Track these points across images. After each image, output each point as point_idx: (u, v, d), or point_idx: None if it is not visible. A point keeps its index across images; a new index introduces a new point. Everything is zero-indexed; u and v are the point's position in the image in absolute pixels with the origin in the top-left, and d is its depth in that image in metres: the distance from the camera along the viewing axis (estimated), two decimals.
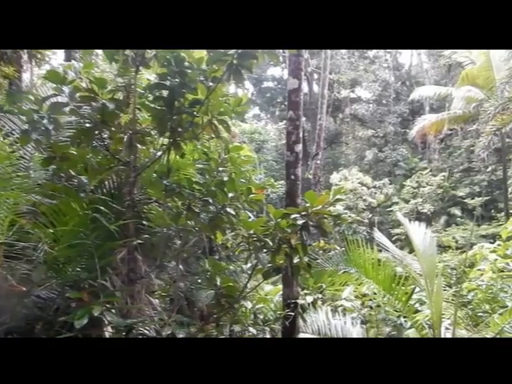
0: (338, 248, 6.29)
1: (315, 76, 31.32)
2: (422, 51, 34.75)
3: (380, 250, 6.78)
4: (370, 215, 26.01)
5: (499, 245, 9.74)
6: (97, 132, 3.44)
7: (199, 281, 4.27)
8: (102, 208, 3.20)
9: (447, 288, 7.67)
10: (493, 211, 22.05)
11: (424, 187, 26.14)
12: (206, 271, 3.63)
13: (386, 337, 7.65)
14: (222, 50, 3.41)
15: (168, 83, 3.52)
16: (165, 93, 3.60)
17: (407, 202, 26.67)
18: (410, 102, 28.26)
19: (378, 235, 6.95)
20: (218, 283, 3.29)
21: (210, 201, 3.75)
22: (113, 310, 3.08)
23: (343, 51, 34.34)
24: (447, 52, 19.37)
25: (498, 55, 15.75)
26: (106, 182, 4.22)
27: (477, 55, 16.41)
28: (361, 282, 6.48)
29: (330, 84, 25.99)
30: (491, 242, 10.40)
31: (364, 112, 33.28)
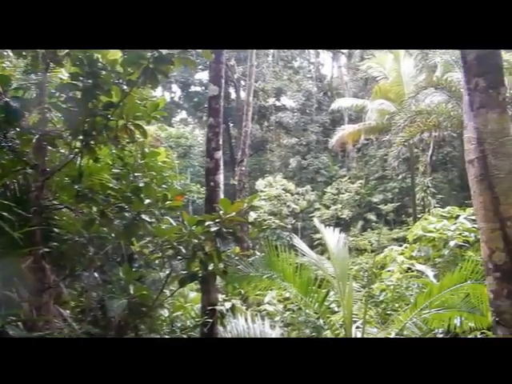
0: (258, 253, 6.40)
1: (242, 83, 31.72)
2: (342, 64, 36.71)
3: (304, 255, 7.03)
4: (294, 221, 26.80)
5: (406, 247, 10.55)
6: None
7: (113, 290, 4.12)
8: (5, 214, 2.99)
9: (361, 289, 8.15)
10: (403, 216, 23.77)
11: (343, 194, 27.50)
12: (120, 280, 3.52)
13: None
14: (138, 53, 3.35)
15: (80, 84, 3.37)
16: (78, 93, 3.45)
17: (328, 207, 27.87)
18: (330, 112, 29.61)
19: (297, 241, 7.21)
20: (132, 292, 3.20)
21: (126, 207, 3.65)
22: (19, 323, 2.88)
23: (269, 60, 35.26)
24: (364, 66, 20.65)
25: (407, 72, 17.11)
26: (12, 186, 3.94)
27: (389, 71, 17.71)
28: (282, 287, 6.67)
29: (255, 92, 26.47)
30: (400, 245, 11.19)
31: (288, 120, 34.28)
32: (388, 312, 7.42)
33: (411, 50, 21.83)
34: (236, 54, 29.68)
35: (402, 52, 17.42)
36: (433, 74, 15.43)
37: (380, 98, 17.49)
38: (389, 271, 9.56)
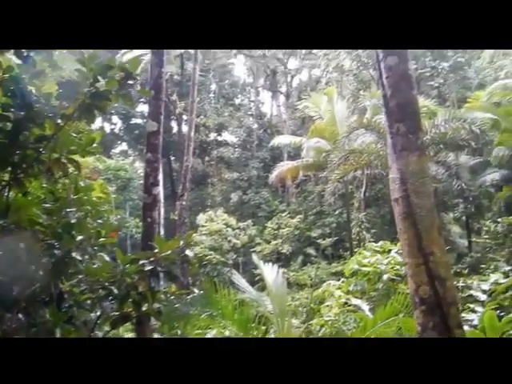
0: (197, 291, 6.29)
1: (184, 117, 31.89)
2: (281, 103, 38.16)
3: (243, 291, 6.98)
4: (235, 256, 26.64)
5: (343, 282, 10.83)
6: None
7: (38, 333, 3.84)
8: None
9: (301, 325, 8.21)
10: (341, 250, 24.46)
11: (283, 228, 27.85)
12: (46, 322, 3.30)
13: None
14: (74, 87, 3.31)
15: (12, 115, 3.26)
16: (9, 125, 3.33)
17: (269, 242, 28.02)
18: (270, 148, 30.40)
19: (237, 277, 7.18)
20: (58, 335, 3.01)
21: (55, 244, 3.48)
22: None
23: (211, 96, 35.90)
24: (301, 106, 21.61)
25: (340, 113, 18.13)
26: None
27: (324, 111, 18.68)
28: (222, 325, 6.54)
29: (197, 127, 26.69)
30: (338, 279, 11.47)
31: (230, 155, 34.72)
32: None
33: (344, 93, 23.27)
34: (178, 89, 29.93)
35: (335, 94, 18.47)
36: (363, 116, 16.50)
37: (316, 137, 18.30)
38: (327, 306, 9.71)
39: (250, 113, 37.79)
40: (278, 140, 23.14)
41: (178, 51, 23.61)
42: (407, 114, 4.56)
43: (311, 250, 26.91)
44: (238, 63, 39.24)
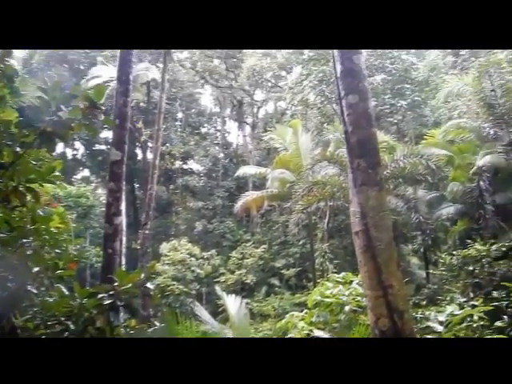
0: (158, 324, 6.09)
1: (150, 145, 31.67)
2: (247, 133, 38.69)
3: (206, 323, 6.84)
4: (198, 286, 26.15)
5: (306, 312, 10.79)
6: None
7: None
8: None
9: None
10: (304, 281, 24.51)
11: (248, 258, 27.70)
12: None
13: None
14: (35, 115, 3.26)
15: None
16: None
17: (233, 272, 27.73)
18: (236, 178, 30.54)
19: (199, 308, 7.06)
20: None
21: (9, 276, 3.33)
22: None
23: (177, 124, 35.98)
24: (267, 137, 22.01)
25: (305, 145, 18.57)
26: None
27: (289, 143, 19.09)
28: None
29: (162, 155, 26.53)
30: (301, 310, 11.43)
31: (195, 184, 34.60)
32: None
33: (308, 126, 23.92)
34: (144, 117, 29.83)
35: (300, 127, 18.97)
36: (327, 149, 16.96)
37: (281, 168, 18.60)
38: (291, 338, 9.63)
39: (216, 142, 38.04)
40: (244, 170, 23.32)
41: (145, 79, 23.63)
42: (367, 150, 4.75)
43: (275, 281, 26.82)
44: (205, 93, 39.74)
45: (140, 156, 33.79)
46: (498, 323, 7.52)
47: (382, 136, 15.99)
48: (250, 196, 21.39)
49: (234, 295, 7.00)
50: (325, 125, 22.13)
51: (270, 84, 36.22)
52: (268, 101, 37.81)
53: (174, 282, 24.04)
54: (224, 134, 39.81)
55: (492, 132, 13.57)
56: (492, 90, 13.30)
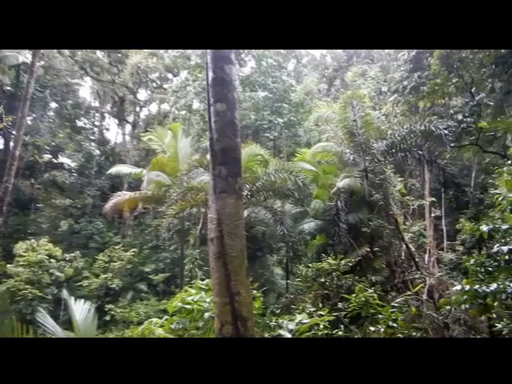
0: None
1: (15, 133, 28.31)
2: (127, 132, 37.10)
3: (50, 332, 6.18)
4: (56, 290, 23.99)
5: (167, 319, 10.54)
6: None
7: None
8: None
9: None
10: (172, 287, 24.11)
11: (115, 262, 26.35)
12: None
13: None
14: None
15: None
16: None
17: (97, 276, 26.13)
18: (110, 177, 28.93)
19: (41, 314, 6.37)
20: None
21: None
22: None
23: (50, 114, 32.89)
24: (146, 138, 21.27)
25: (184, 150, 18.38)
26: None
27: (168, 146, 18.70)
28: None
29: (26, 145, 23.95)
30: (160, 317, 11.13)
31: (64, 180, 31.93)
32: None
33: (190, 131, 23.82)
34: (6, 102, 26.64)
35: (180, 131, 18.74)
36: (205, 156, 16.98)
37: (157, 170, 18.10)
38: None
39: (92, 138, 35.67)
40: (118, 169, 22.14)
41: (14, 61, 21.18)
42: (230, 158, 4.81)
43: (143, 286, 25.94)
44: (85, 85, 37.13)
45: (0, 145, 30.07)
46: (338, 332, 8.19)
47: (258, 149, 16.59)
48: (122, 196, 20.33)
49: (83, 300, 6.46)
50: (206, 132, 22.22)
51: (154, 84, 35.29)
52: (151, 101, 36.79)
53: (28, 286, 21.69)
54: (102, 130, 37.56)
55: (352, 158, 15.02)
56: (354, 120, 14.74)
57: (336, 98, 18.81)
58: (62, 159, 33.98)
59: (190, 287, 11.38)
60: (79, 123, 35.69)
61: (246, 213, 15.97)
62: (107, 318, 23.37)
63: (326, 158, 16.20)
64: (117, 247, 27.22)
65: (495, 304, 6.84)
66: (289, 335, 7.61)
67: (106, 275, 25.80)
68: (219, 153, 4.80)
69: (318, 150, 16.11)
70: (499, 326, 6.69)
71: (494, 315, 7.18)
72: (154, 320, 10.93)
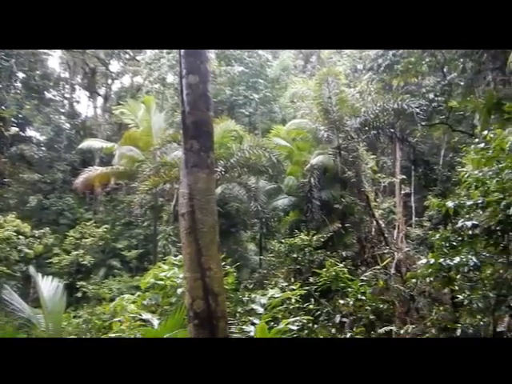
0: None
1: None
2: (99, 105, 36.05)
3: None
4: (25, 268, 23.54)
5: (139, 295, 10.53)
6: None
7: None
8: None
9: None
10: (146, 263, 24.02)
11: (87, 238, 25.98)
12: None
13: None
14: None
15: None
16: None
17: (68, 253, 25.75)
18: (82, 151, 28.20)
19: (7, 292, 6.27)
20: None
21: None
22: None
23: (17, 85, 31.50)
24: (118, 111, 20.73)
25: (157, 125, 18.04)
26: None
27: (141, 120, 18.30)
28: None
29: None
30: (132, 294, 11.12)
31: (32, 154, 30.91)
32: None
33: (164, 106, 23.34)
34: None
35: (153, 104, 18.34)
36: (179, 131, 16.71)
37: (130, 145, 17.75)
38: (119, 321, 9.27)
39: (61, 110, 34.47)
40: (89, 143, 21.58)
41: None
42: (202, 132, 4.72)
43: (115, 262, 25.75)
44: (53, 55, 35.58)
45: None
46: (309, 305, 8.39)
47: (233, 125, 16.45)
48: (93, 172, 19.91)
49: (51, 277, 6.37)
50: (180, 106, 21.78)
51: (127, 56, 34.19)
52: (124, 74, 35.69)
53: None
54: (72, 102, 36.32)
55: (326, 135, 15.09)
56: (329, 97, 14.75)
57: (312, 75, 18.73)
58: (30, 132, 32.86)
59: (163, 263, 11.38)
60: (48, 95, 34.35)
61: (220, 189, 15.92)
62: (79, 294, 23.20)
63: (300, 134, 16.23)
64: (88, 223, 26.78)
65: (458, 277, 7.14)
66: (261, 309, 7.75)
67: (77, 252, 25.45)
68: (191, 126, 4.71)
69: (292, 126, 16.11)
70: (461, 297, 7.00)
71: (457, 287, 7.50)
72: (127, 296, 10.92)
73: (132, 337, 7.95)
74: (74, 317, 12.76)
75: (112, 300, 21.46)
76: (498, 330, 6.25)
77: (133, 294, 11.51)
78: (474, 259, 6.01)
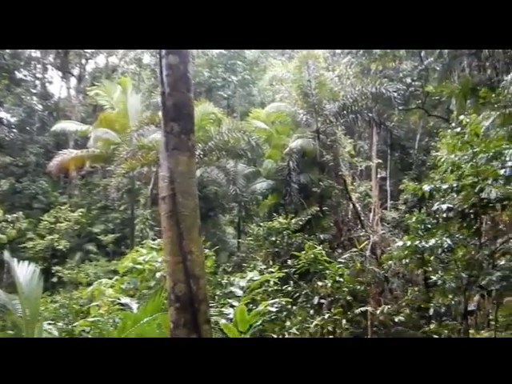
0: None
1: None
2: (72, 86, 34.99)
3: None
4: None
5: (117, 279, 10.46)
6: None
7: None
8: None
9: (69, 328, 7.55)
10: (123, 247, 23.80)
11: (62, 223, 25.48)
12: None
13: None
14: None
15: None
16: None
17: (43, 237, 25.22)
18: (55, 134, 27.43)
19: None
20: None
21: None
22: None
23: None
24: (93, 92, 20.16)
25: (134, 106, 17.66)
26: None
27: (116, 101, 17.86)
28: None
29: None
30: (110, 278, 11.03)
31: (3, 136, 29.91)
32: None
33: (141, 87, 22.84)
34: None
35: (130, 86, 17.92)
36: (157, 113, 16.42)
37: (105, 127, 17.35)
38: (97, 305, 9.21)
39: (33, 91, 33.30)
40: (63, 125, 20.99)
41: None
42: (182, 114, 4.65)
43: (91, 247, 25.38)
44: None
45: None
46: (287, 287, 8.51)
47: (211, 108, 16.26)
48: (68, 155, 19.44)
49: (27, 262, 6.22)
50: (157, 88, 21.40)
51: None
52: (98, 53, 34.59)
53: None
54: (44, 83, 35.10)
55: (305, 118, 15.10)
56: (308, 81, 14.72)
57: (291, 58, 18.58)
58: (1, 114, 31.68)
59: (142, 247, 11.30)
60: (19, 75, 33.03)
61: (198, 172, 15.80)
62: (54, 279, 22.86)
63: (279, 118, 16.18)
64: (63, 207, 26.23)
65: (431, 258, 7.36)
66: (240, 292, 7.82)
67: (52, 236, 24.95)
68: (171, 108, 4.63)
69: (271, 110, 16.04)
70: (434, 278, 7.23)
71: (430, 268, 7.74)
72: (104, 281, 10.84)
73: (111, 320, 7.94)
74: (51, 302, 12.58)
75: (89, 285, 21.27)
76: (469, 308, 6.50)
77: (110, 279, 11.44)
78: (449, 241, 6.19)
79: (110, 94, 18.42)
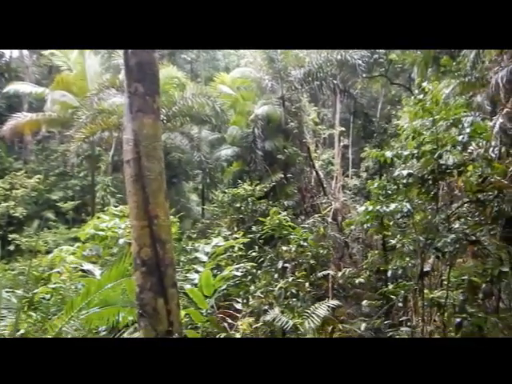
0: None
1: None
2: None
3: None
4: None
5: (79, 247, 10.28)
6: None
7: None
8: None
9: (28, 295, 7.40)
10: (83, 214, 23.24)
11: (18, 189, 24.48)
12: None
13: None
14: None
15: None
16: None
17: None
18: (7, 96, 25.87)
19: None
20: None
21: None
22: None
23: None
24: (47, 52, 19.02)
25: (93, 68, 16.85)
26: None
27: (74, 62, 16.96)
28: None
29: None
30: (71, 245, 10.83)
31: None
32: (50, 317, 6.94)
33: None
34: None
35: None
36: (117, 76, 15.76)
37: (63, 90, 16.52)
38: (58, 272, 9.06)
39: None
40: (15, 87, 19.78)
41: None
42: (147, 74, 4.49)
43: (50, 214, 24.61)
44: None
45: None
46: (252, 253, 8.64)
47: (174, 71, 15.78)
48: (22, 118, 18.44)
49: None
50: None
51: None
52: None
53: None
54: None
55: (270, 84, 14.95)
56: None
57: None
58: None
59: (104, 214, 11.09)
60: None
61: (162, 138, 15.44)
62: (11, 247, 22.15)
63: (244, 83, 15.94)
64: (19, 173, 25.15)
65: (391, 223, 7.65)
66: (205, 258, 7.87)
67: (7, 203, 23.99)
68: (135, 68, 4.46)
69: (237, 75, 15.75)
70: (393, 241, 7.54)
71: (390, 233, 8.05)
72: (65, 248, 10.63)
73: (73, 287, 7.84)
74: (7, 270, 12.24)
75: (48, 252, 20.76)
76: (425, 269, 6.84)
77: (71, 246, 11.21)
78: (408, 206, 6.42)
79: (66, 54, 17.43)
